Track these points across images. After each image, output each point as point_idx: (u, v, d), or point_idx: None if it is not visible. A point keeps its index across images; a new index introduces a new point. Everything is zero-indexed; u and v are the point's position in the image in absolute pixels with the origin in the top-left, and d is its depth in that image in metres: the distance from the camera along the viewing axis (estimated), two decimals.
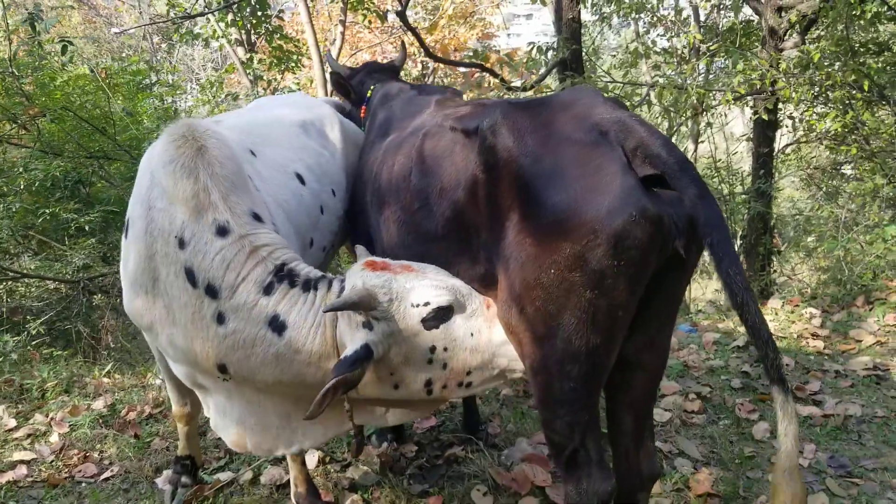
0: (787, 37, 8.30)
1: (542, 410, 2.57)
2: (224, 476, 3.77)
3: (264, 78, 12.38)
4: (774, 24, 8.34)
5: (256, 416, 2.82)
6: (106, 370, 5.53)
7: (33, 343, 6.12)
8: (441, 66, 14.31)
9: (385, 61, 4.55)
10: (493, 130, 2.51)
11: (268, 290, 2.50)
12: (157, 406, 4.68)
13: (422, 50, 8.39)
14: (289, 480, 3.68)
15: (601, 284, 2.29)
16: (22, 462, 3.92)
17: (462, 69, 12.70)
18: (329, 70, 4.41)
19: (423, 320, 2.45)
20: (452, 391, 2.60)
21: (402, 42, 5.15)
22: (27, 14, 5.84)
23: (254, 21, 12.07)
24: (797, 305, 6.33)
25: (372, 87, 4.11)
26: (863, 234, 6.53)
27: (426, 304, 2.45)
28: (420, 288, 2.49)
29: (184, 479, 3.57)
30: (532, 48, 8.60)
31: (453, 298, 2.51)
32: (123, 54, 18.54)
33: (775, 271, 9.01)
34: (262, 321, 2.48)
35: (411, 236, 2.94)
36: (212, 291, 2.49)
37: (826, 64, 5.96)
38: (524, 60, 8.87)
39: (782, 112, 8.37)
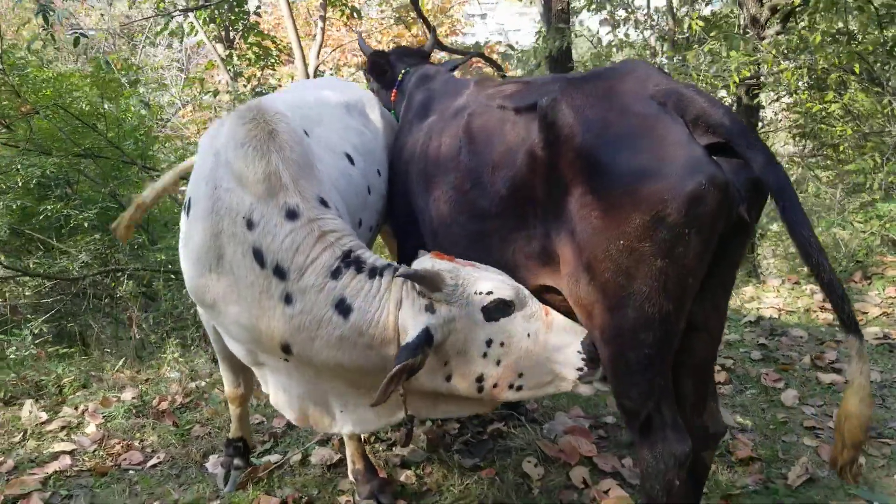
0: (767, 26, 8.53)
1: (615, 379, 2.60)
2: (273, 458, 3.78)
3: (244, 75, 12.30)
4: (756, 13, 8.56)
5: (316, 394, 2.85)
6: (120, 364, 5.48)
7: (36, 342, 6.03)
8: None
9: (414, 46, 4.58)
10: (552, 107, 2.54)
11: (335, 274, 2.52)
12: (186, 395, 4.66)
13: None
14: (339, 460, 3.72)
15: (672, 253, 2.33)
16: (64, 453, 3.88)
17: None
18: (364, 52, 4.42)
19: (485, 309, 2.46)
20: (502, 391, 2.58)
21: (433, 27, 5.16)
22: (39, 6, 5.73)
23: (232, 17, 11.98)
24: (797, 283, 6.52)
25: (403, 71, 4.14)
26: (854, 212, 6.75)
27: (489, 293, 2.47)
28: (485, 278, 2.52)
29: (236, 461, 3.57)
30: (538, 37, 8.71)
31: (515, 295, 2.52)
32: (83, 55, 18.20)
33: (758, 254, 9.26)
34: (329, 304, 2.50)
35: (465, 215, 2.95)
36: (280, 272, 2.51)
37: (821, 46, 6.13)
38: (530, 50, 8.98)
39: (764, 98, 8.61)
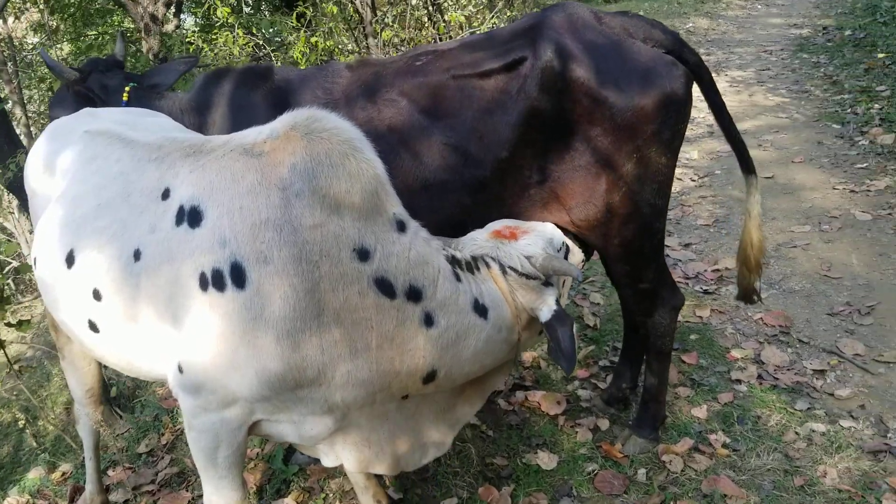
0: None
1: (632, 271, 3.06)
2: None
3: None
4: None
5: (407, 428, 2.59)
6: None
7: None
8: None
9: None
10: (556, 57, 2.71)
11: (457, 276, 2.33)
12: None
13: None
14: None
15: (670, 146, 2.85)
16: None
17: None
18: (60, 75, 3.53)
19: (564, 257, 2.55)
20: None
21: (122, 32, 4.28)
22: None
23: None
24: None
25: (128, 88, 3.44)
26: None
27: (563, 244, 2.59)
28: (553, 234, 2.56)
29: None
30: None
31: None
32: None
33: None
34: (468, 308, 2.32)
35: (458, 193, 2.88)
36: (415, 294, 2.21)
37: None
38: None
39: None
